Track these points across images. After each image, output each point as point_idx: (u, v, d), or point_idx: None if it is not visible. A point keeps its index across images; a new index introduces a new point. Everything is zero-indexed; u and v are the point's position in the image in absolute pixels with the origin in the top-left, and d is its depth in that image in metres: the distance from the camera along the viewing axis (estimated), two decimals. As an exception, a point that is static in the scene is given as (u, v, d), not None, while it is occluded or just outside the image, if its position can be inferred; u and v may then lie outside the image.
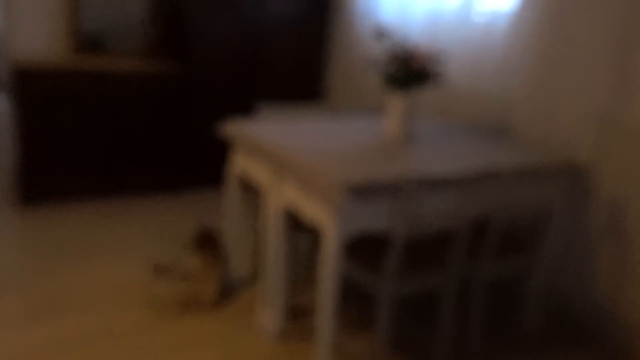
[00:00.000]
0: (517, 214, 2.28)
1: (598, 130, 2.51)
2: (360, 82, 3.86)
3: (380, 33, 2.42)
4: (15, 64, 3.41)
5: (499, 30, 2.91)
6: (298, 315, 2.61)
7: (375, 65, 2.49)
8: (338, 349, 2.36)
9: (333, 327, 2.11)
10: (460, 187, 2.09)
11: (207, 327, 2.49)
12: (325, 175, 1.97)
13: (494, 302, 2.59)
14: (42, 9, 3.70)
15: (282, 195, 2.28)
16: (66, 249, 3.06)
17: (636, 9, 2.37)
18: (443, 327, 2.30)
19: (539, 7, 2.71)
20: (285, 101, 4.15)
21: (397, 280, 2.10)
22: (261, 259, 2.92)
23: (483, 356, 2.45)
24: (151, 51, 3.99)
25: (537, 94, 2.75)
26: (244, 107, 4.05)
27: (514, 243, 2.46)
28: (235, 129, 2.56)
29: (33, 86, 3.41)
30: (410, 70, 2.33)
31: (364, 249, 2.23)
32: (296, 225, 2.44)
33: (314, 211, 2.09)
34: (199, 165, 4.05)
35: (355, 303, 2.69)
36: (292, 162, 2.14)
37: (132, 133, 3.76)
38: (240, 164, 2.61)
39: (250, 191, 2.77)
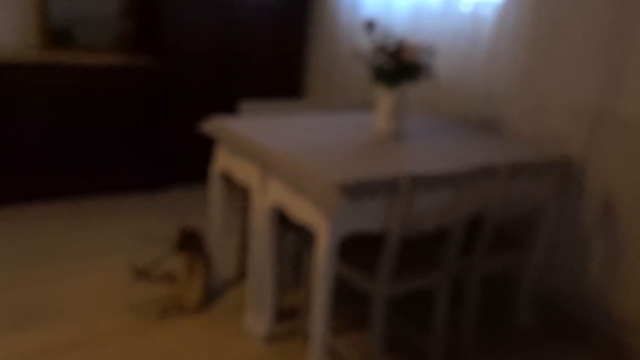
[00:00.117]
0: (510, 210, 2.24)
1: (590, 124, 2.47)
2: (342, 76, 3.77)
3: (370, 25, 2.34)
4: (-18, 59, 3.26)
5: (486, 21, 2.86)
6: (287, 317, 2.54)
7: (362, 58, 2.41)
8: (331, 352, 2.30)
9: (326, 329, 2.04)
10: (456, 184, 2.03)
11: (192, 333, 2.40)
12: (316, 176, 1.89)
13: (485, 299, 2.55)
14: (9, 2, 3.53)
15: (269, 194, 2.20)
16: (41, 253, 2.93)
17: (626, 0, 2.33)
18: (436, 326, 2.25)
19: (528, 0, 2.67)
20: (265, 96, 4.06)
21: (391, 281, 2.03)
22: (247, 259, 2.84)
23: (476, 355, 2.41)
24: (125, 45, 3.85)
25: (526, 88, 2.71)
26: (223, 102, 3.95)
27: (507, 240, 2.43)
28: (218, 126, 2.46)
29: (0, 82, 3.25)
30: (401, 64, 2.26)
31: (356, 248, 2.16)
32: (282, 221, 2.35)
33: (304, 211, 2.01)
34: (179, 163, 3.94)
35: (347, 303, 2.62)
36: (280, 161, 2.06)
37: (107, 129, 3.63)
38: (224, 161, 2.52)
39: (235, 189, 2.68)
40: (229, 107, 3.90)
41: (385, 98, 2.38)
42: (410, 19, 3.22)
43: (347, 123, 2.66)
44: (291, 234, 2.75)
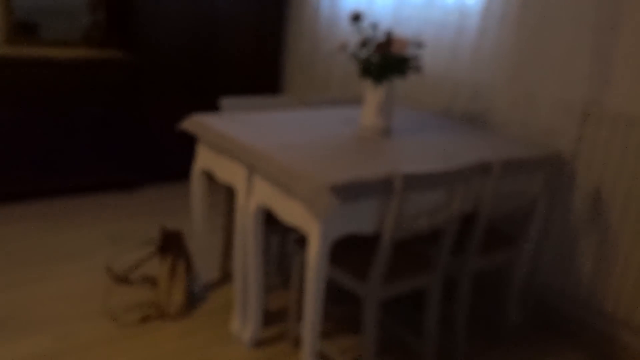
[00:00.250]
0: (502, 207, 2.19)
1: (579, 118, 2.44)
2: (323, 71, 3.68)
3: (356, 17, 2.26)
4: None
5: (471, 13, 2.80)
6: (274, 321, 2.46)
7: (348, 53, 2.33)
8: (321, 356, 2.23)
9: (318, 333, 1.97)
10: (450, 183, 1.97)
11: (175, 339, 2.30)
12: (307, 178, 1.80)
13: (474, 295, 2.51)
14: (-29, -7, 3.35)
15: (254, 195, 2.11)
16: (10, 259, 2.78)
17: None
18: (428, 327, 2.20)
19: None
20: (243, 91, 3.96)
21: (384, 283, 1.97)
22: (231, 260, 2.76)
23: (468, 355, 2.37)
24: (95, 38, 3.69)
25: (514, 81, 2.66)
26: (199, 96, 3.85)
27: (498, 237, 2.38)
28: (200, 123, 2.36)
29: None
30: (389, 57, 2.18)
31: (346, 250, 2.08)
32: (267, 220, 2.27)
33: (293, 213, 1.93)
34: (155, 160, 3.81)
35: (334, 303, 2.55)
36: (267, 161, 1.97)
37: (77, 126, 3.47)
38: (206, 160, 2.42)
39: (217, 187, 2.58)
40: (205, 101, 3.78)
41: (373, 93, 2.30)
42: (392, 11, 3.15)
43: (333, 119, 2.58)
44: (277, 234, 2.68)
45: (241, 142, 2.12)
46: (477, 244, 2.21)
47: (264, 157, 2.00)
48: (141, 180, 3.81)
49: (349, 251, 2.09)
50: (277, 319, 2.48)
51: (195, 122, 2.40)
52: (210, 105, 3.71)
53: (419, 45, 2.27)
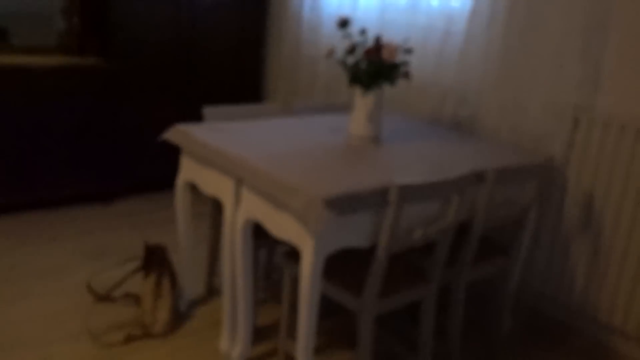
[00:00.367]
0: (496, 216, 2.15)
1: (569, 123, 2.41)
2: (305, 78, 3.61)
3: (344, 22, 2.20)
4: None
5: (457, 17, 2.76)
6: (263, 337, 2.38)
7: (334, 59, 2.27)
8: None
9: (312, 351, 1.90)
10: (446, 193, 1.92)
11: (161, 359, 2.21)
12: (299, 191, 1.73)
13: (467, 304, 2.46)
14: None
15: (243, 208, 2.03)
16: (-15, 277, 2.66)
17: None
18: (424, 339, 2.14)
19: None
20: (223, 98, 3.87)
21: (379, 298, 1.90)
22: (217, 276, 2.67)
23: (464, 366, 2.32)
24: (69, 44, 3.56)
25: (502, 86, 2.63)
26: (179, 104, 3.74)
27: (491, 246, 2.34)
28: (183, 134, 2.27)
29: None
30: (379, 64, 2.13)
31: (339, 263, 2.01)
32: (255, 233, 2.19)
33: (285, 228, 1.85)
34: (133, 170, 3.69)
35: (328, 315, 2.48)
36: (257, 174, 1.89)
37: (52, 137, 3.34)
38: (190, 172, 2.33)
39: (202, 198, 2.49)
40: (185, 108, 3.70)
41: (362, 100, 2.24)
42: (377, 16, 3.10)
43: (320, 127, 2.52)
44: (265, 247, 2.60)
45: (228, 153, 2.04)
46: (472, 255, 2.16)
47: (252, 169, 1.92)
48: (120, 192, 3.68)
49: (341, 265, 2.02)
50: (266, 335, 2.40)
51: (179, 133, 2.31)
52: (191, 112, 3.60)
53: (408, 51, 2.22)
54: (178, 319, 2.45)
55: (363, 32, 2.20)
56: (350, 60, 2.23)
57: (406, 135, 2.51)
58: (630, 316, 2.33)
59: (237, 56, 3.95)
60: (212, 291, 2.68)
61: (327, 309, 2.48)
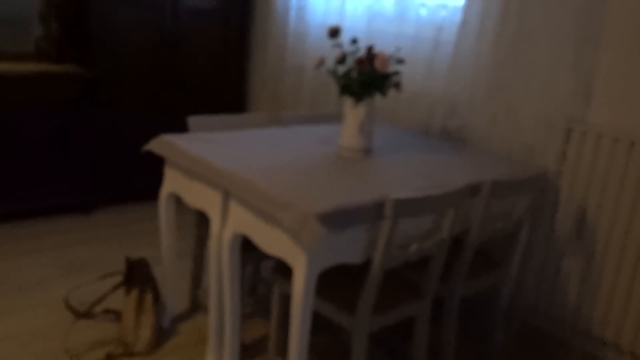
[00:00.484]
0: (489, 230, 2.11)
1: (561, 134, 2.39)
2: (292, 87, 3.55)
3: (334, 32, 2.15)
4: None
5: (447, 26, 2.73)
6: (250, 354, 2.30)
7: (324, 68, 2.22)
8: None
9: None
10: (442, 207, 1.87)
11: (145, 381, 2.12)
12: (292, 206, 1.66)
13: (459, 318, 2.42)
14: None
15: (230, 222, 1.96)
16: (-43, 293, 2.54)
17: (597, 5, 2.26)
18: (418, 355, 2.09)
19: (492, 2, 2.54)
20: (206, 107, 3.79)
21: (373, 315, 1.85)
22: (202, 290, 2.59)
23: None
24: (47, 51, 3.45)
25: (493, 96, 2.59)
26: (160, 113, 3.65)
27: (485, 260, 2.30)
28: (168, 145, 2.19)
29: None
30: (372, 74, 2.08)
31: (331, 280, 1.95)
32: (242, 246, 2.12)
33: (276, 243, 1.79)
34: (112, 181, 3.59)
35: (316, 331, 2.41)
36: (246, 188, 1.82)
37: (28, 145, 3.22)
38: (174, 184, 2.25)
39: (185, 208, 2.41)
40: (167, 117, 3.61)
41: (353, 111, 2.19)
42: (365, 25, 3.05)
43: (309, 138, 2.46)
44: (252, 262, 2.53)
45: (215, 165, 1.97)
46: (466, 269, 2.11)
47: (241, 182, 1.85)
48: (99, 203, 3.57)
49: (332, 280, 1.96)
50: (254, 352, 2.32)
51: (163, 143, 2.23)
52: (173, 122, 3.52)
53: (400, 61, 2.17)
54: (161, 336, 2.36)
55: (354, 41, 2.15)
56: (341, 70, 2.18)
57: (397, 147, 2.46)
58: (623, 329, 2.30)
59: (221, 65, 3.87)
60: (196, 306, 2.60)
61: (316, 324, 2.41)
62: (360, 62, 2.08)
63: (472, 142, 2.69)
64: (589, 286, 2.39)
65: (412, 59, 2.84)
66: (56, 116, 3.28)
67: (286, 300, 2.08)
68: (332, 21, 3.20)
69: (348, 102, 2.19)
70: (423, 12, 2.84)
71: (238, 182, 1.86)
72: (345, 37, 2.20)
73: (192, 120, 2.46)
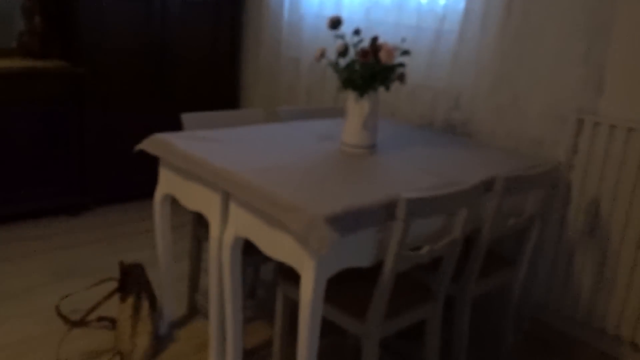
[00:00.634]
0: (503, 227, 2.02)
1: (573, 127, 2.31)
2: (287, 81, 3.43)
3: (335, 22, 2.04)
4: None
5: (450, 16, 2.63)
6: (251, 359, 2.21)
7: (325, 61, 2.11)
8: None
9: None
10: (456, 205, 1.78)
11: (144, 392, 2.02)
12: (298, 209, 1.56)
13: (471, 317, 2.34)
14: None
15: (231, 225, 1.86)
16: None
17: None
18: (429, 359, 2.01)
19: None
20: (198, 102, 3.68)
21: (384, 321, 1.76)
22: (200, 294, 2.49)
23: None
24: (32, 47, 3.31)
25: (499, 88, 2.50)
26: (150, 110, 3.53)
27: (496, 258, 2.21)
28: (162, 144, 2.08)
29: None
30: (377, 67, 1.98)
31: (339, 284, 1.86)
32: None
33: (280, 247, 1.69)
34: (103, 180, 3.47)
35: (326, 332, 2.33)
36: (246, 188, 1.72)
37: (13, 145, 3.09)
38: (170, 184, 2.14)
39: (182, 210, 2.30)
40: (157, 114, 3.51)
41: (356, 106, 2.08)
42: (362, 16, 2.95)
43: (309, 134, 2.35)
44: (252, 265, 2.43)
45: (213, 165, 1.86)
46: (478, 269, 2.03)
47: (241, 183, 1.75)
48: (88, 204, 3.45)
49: (340, 284, 1.86)
50: (254, 357, 2.23)
51: (157, 142, 2.12)
52: (164, 119, 3.42)
53: (406, 52, 2.07)
54: (159, 344, 2.26)
55: (357, 32, 2.04)
56: (342, 62, 2.07)
57: (401, 143, 2.36)
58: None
59: (213, 59, 3.75)
60: (194, 310, 2.50)
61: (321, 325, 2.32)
62: (364, 53, 1.98)
63: (477, 136, 2.60)
64: (603, 283, 2.31)
65: (414, 50, 2.72)
66: (42, 114, 3.15)
67: (290, 304, 1.99)
68: (328, 12, 3.10)
69: (351, 96, 2.09)
70: (424, 1, 2.74)
71: (238, 183, 1.76)
72: (342, 28, 2.09)
73: (186, 117, 2.35)
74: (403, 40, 2.15)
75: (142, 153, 2.18)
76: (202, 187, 1.95)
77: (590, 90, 2.25)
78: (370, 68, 2.01)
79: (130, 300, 2.21)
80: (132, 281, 2.25)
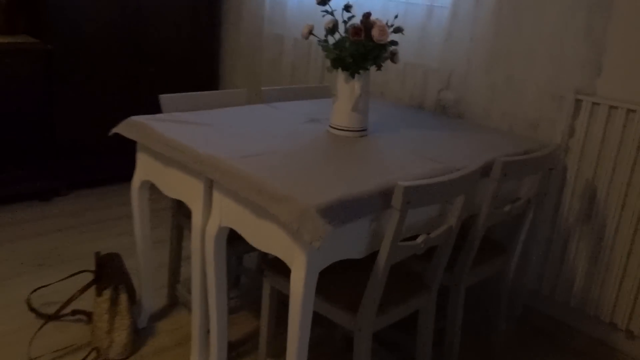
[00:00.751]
0: (500, 213, 1.93)
1: (570, 108, 2.22)
2: (269, 59, 3.29)
3: (324, -2, 1.92)
4: None
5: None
6: (238, 355, 2.11)
7: (315, 40, 1.99)
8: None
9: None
10: (454, 192, 1.68)
11: (123, 391, 1.91)
12: (288, 199, 1.45)
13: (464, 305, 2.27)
14: None
15: (215, 215, 1.74)
16: None
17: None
18: (423, 350, 1.93)
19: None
20: (176, 82, 3.53)
21: (377, 314, 1.67)
22: (181, 284, 2.37)
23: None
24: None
25: (492, 67, 2.40)
26: (126, 90, 3.37)
27: (490, 245, 2.14)
28: (139, 127, 1.94)
29: None
30: (368, 45, 1.86)
31: (330, 276, 1.76)
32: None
33: (268, 239, 1.58)
34: (75, 164, 3.31)
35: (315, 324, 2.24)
36: (232, 176, 1.60)
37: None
38: (148, 171, 2.01)
39: (161, 195, 2.17)
40: (133, 94, 3.35)
41: (346, 87, 1.96)
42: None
43: (297, 117, 2.23)
44: (237, 254, 2.31)
45: (195, 150, 1.74)
46: (472, 256, 1.94)
47: (226, 170, 1.63)
48: (60, 189, 3.29)
49: (331, 276, 1.77)
50: (241, 350, 2.13)
51: (133, 126, 1.98)
52: (141, 98, 3.28)
53: (398, 29, 1.96)
54: (138, 338, 2.15)
55: (348, 7, 1.92)
56: (331, 40, 1.95)
57: (392, 125, 2.26)
58: (635, 314, 2.18)
59: (191, 36, 3.59)
60: (175, 301, 2.39)
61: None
62: (357, 31, 1.85)
63: (470, 116, 2.50)
64: (598, 269, 2.26)
65: (404, 26, 2.61)
66: (9, 93, 2.97)
67: (277, 295, 1.89)
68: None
69: (340, 76, 1.97)
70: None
71: (223, 170, 1.64)
72: (348, 4, 1.96)
73: (165, 99, 2.21)
74: (395, 17, 2.02)
75: (120, 136, 2.04)
76: (184, 174, 1.83)
77: (589, 69, 2.16)
78: (361, 46, 1.89)
79: (107, 294, 2.09)
80: (109, 273, 2.12)
